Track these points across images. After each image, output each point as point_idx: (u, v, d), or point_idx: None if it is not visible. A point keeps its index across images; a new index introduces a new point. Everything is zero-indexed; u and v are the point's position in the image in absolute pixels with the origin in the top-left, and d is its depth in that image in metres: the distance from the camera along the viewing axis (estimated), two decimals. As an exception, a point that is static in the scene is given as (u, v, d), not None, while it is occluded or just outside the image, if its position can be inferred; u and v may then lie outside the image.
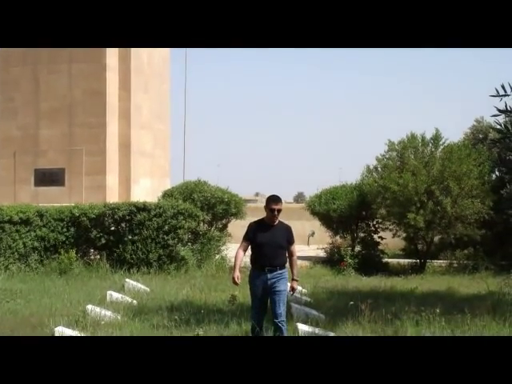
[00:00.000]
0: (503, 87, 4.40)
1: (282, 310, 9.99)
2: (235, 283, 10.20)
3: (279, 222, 10.24)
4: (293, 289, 10.40)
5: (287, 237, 10.18)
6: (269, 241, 9.95)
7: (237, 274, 10.06)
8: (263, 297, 10.00)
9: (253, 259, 10.24)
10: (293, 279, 10.34)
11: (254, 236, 10.11)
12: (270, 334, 10.24)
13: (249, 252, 10.48)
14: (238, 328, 11.54)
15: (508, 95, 4.27)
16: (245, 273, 10.85)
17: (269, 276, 9.90)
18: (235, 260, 10.32)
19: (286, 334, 10.08)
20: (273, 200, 10.05)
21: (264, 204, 10.37)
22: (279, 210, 10.06)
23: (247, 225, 10.87)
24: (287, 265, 10.44)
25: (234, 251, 10.48)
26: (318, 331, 11.51)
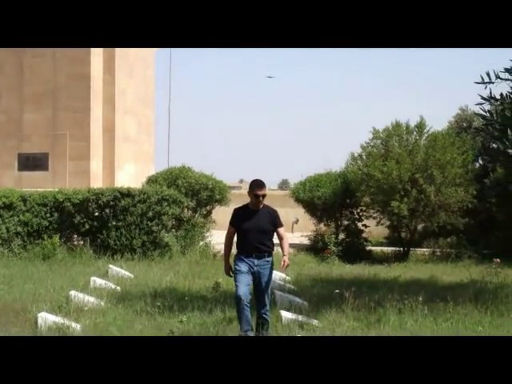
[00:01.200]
0: (488, 74, 4.42)
1: (267, 299, 9.94)
2: (229, 275, 10.21)
3: (264, 206, 10.15)
4: (284, 263, 10.07)
5: (273, 221, 10.10)
6: (254, 226, 9.89)
7: (229, 265, 10.10)
8: (249, 274, 9.86)
9: (239, 245, 10.16)
10: (284, 254, 10.11)
11: (239, 222, 10.05)
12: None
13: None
14: (222, 315, 11.53)
15: (492, 82, 4.27)
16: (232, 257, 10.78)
17: (256, 262, 9.85)
18: (225, 250, 10.34)
19: (270, 324, 10.06)
20: (257, 185, 9.99)
21: (248, 190, 10.30)
22: (264, 196, 10.01)
23: (232, 211, 10.78)
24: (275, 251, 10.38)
25: (218, 238, 10.46)
26: (301, 318, 11.51)
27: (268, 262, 9.97)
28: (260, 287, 9.85)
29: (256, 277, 9.84)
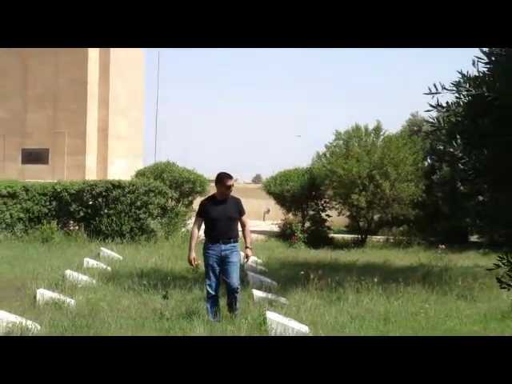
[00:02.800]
0: (435, 86, 4.45)
1: (235, 278, 9.74)
2: (191, 265, 10.07)
3: (230, 196, 9.98)
4: (247, 256, 10.08)
5: (238, 209, 9.95)
6: (222, 215, 9.70)
7: (192, 255, 9.85)
8: (217, 267, 9.72)
9: (207, 233, 9.94)
10: (246, 247, 10.01)
11: (207, 211, 9.84)
12: (225, 301, 10.14)
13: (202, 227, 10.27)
14: (200, 293, 11.46)
15: (439, 93, 4.29)
16: (199, 246, 10.69)
17: (223, 247, 9.67)
18: (191, 239, 10.07)
19: (239, 301, 9.92)
20: (227, 177, 9.82)
21: (215, 180, 10.04)
22: (232, 187, 9.87)
23: (200, 202, 10.62)
24: (240, 237, 10.18)
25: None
26: (270, 296, 11.50)
27: (234, 246, 9.79)
28: (229, 269, 9.65)
29: (224, 261, 9.66)
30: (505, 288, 5.22)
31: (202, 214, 9.91)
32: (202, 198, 10.88)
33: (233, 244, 9.76)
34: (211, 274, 9.70)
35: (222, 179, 9.79)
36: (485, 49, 4.76)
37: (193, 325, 9.21)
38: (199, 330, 8.83)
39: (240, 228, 10.07)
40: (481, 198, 5.29)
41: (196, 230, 10.02)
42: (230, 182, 9.79)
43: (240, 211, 9.95)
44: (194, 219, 10.37)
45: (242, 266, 11.14)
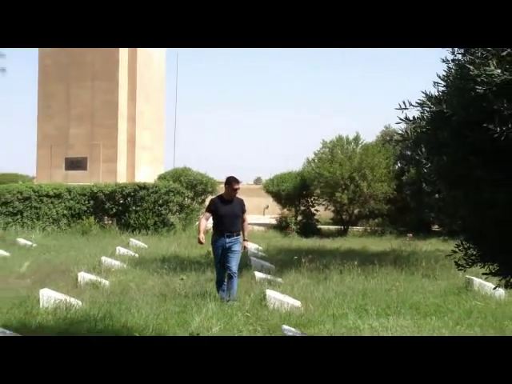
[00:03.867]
0: (404, 103, 4.48)
1: (234, 265, 9.67)
2: (200, 243, 9.87)
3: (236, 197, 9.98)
4: (244, 247, 10.13)
5: (241, 208, 9.90)
6: (228, 212, 9.67)
7: (201, 235, 9.74)
8: (222, 256, 9.68)
9: (215, 227, 9.91)
10: (244, 239, 10.05)
11: (216, 209, 9.78)
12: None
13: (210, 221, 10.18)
14: (211, 275, 11.45)
15: (407, 109, 4.32)
16: (208, 236, 10.67)
17: (227, 240, 9.62)
18: (199, 227, 10.00)
19: (236, 283, 9.80)
20: (235, 181, 9.80)
21: (224, 183, 10.03)
22: (238, 189, 9.85)
23: (209, 199, 10.71)
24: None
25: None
26: (269, 277, 11.52)
27: (237, 239, 9.75)
28: (230, 256, 9.60)
29: (227, 250, 9.61)
30: (461, 270, 5.22)
31: (211, 210, 9.85)
32: (212, 197, 10.87)
33: (235, 237, 9.73)
34: (217, 264, 9.74)
35: (231, 183, 9.78)
36: (443, 72, 4.75)
37: (205, 301, 9.22)
38: (211, 305, 8.83)
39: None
40: (441, 195, 5.29)
41: (204, 221, 10.01)
42: (236, 186, 9.79)
43: (243, 210, 9.90)
44: (203, 212, 10.35)
45: (244, 255, 11.11)
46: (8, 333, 6.91)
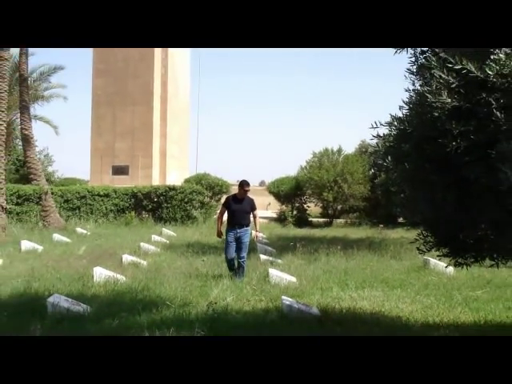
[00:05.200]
0: (376, 123, 4.49)
1: (244, 253, 9.57)
2: (219, 236, 9.92)
3: (246, 196, 9.81)
4: (257, 236, 10.13)
5: (251, 206, 9.71)
6: (239, 209, 9.54)
7: (220, 230, 9.79)
8: (234, 244, 9.51)
9: (228, 220, 9.76)
10: (256, 230, 9.99)
11: (229, 205, 9.64)
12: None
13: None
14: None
15: (378, 127, 4.34)
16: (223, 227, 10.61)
17: (238, 231, 9.47)
18: (218, 221, 10.00)
19: (245, 267, 9.67)
20: (246, 184, 9.67)
21: (238, 185, 9.99)
22: (248, 191, 9.73)
23: (225, 197, 10.68)
24: (252, 224, 9.96)
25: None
26: (271, 259, 11.53)
27: (247, 230, 9.59)
28: (240, 245, 9.50)
29: (238, 240, 9.49)
30: (421, 253, 5.24)
31: (226, 206, 9.75)
32: (228, 195, 10.85)
33: (245, 228, 9.58)
34: (230, 248, 9.52)
35: (243, 185, 9.68)
36: (406, 98, 4.76)
37: (221, 278, 9.24)
38: (225, 281, 8.85)
39: (252, 218, 9.90)
40: (404, 195, 5.31)
41: (221, 217, 9.95)
42: (246, 188, 9.66)
43: (252, 207, 9.72)
44: (220, 208, 10.26)
45: (252, 241, 11.02)
46: (70, 301, 6.99)
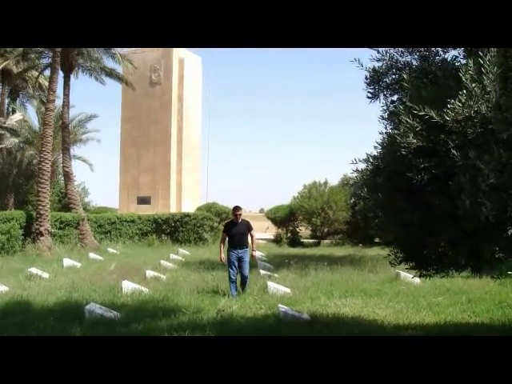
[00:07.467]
0: (355, 159, 4.52)
1: (246, 271, 9.10)
2: (221, 261, 9.43)
3: (241, 219, 9.20)
4: (253, 256, 9.48)
5: (247, 226, 9.20)
6: (236, 231, 9.04)
7: (222, 256, 9.30)
8: (236, 262, 8.95)
9: (229, 242, 9.17)
10: (253, 250, 9.41)
11: (228, 230, 9.16)
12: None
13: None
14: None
15: (357, 163, 4.37)
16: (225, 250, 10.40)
17: (239, 251, 8.96)
18: (219, 246, 9.51)
19: (248, 282, 9.19)
20: (236, 209, 9.17)
21: (232, 211, 9.48)
22: (240, 214, 9.15)
23: (223, 224, 10.04)
24: (250, 244, 9.38)
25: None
26: (269, 273, 11.43)
27: (246, 250, 9.09)
28: (242, 265, 9.00)
29: (240, 260, 8.99)
30: (392, 266, 5.23)
31: (225, 231, 9.28)
32: (226, 221, 10.35)
33: (245, 249, 9.08)
34: (232, 267, 8.96)
35: (233, 210, 9.30)
36: (379, 139, 4.80)
37: (228, 289, 9.10)
38: (231, 292, 8.77)
39: (250, 239, 9.39)
40: (379, 219, 5.33)
41: (221, 241, 9.45)
42: (237, 212, 9.12)
43: (249, 229, 9.23)
44: (221, 234, 9.76)
45: (252, 260, 10.71)
46: (104, 308, 6.96)
